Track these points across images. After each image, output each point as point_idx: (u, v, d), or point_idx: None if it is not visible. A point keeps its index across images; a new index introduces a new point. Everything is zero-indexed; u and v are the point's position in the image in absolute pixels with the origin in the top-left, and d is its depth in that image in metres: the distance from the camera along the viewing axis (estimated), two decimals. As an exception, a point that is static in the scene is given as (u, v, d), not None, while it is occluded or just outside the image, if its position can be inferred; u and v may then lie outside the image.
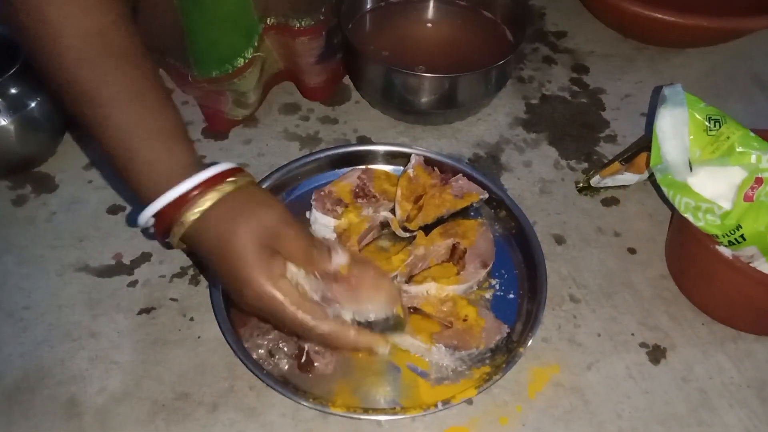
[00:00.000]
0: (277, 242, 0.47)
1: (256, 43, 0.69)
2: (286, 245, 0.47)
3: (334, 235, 0.63)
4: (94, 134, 0.48)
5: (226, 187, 0.46)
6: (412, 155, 0.67)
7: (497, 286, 0.62)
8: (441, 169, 0.68)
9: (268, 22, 0.70)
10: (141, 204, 0.48)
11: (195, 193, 0.46)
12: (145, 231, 0.50)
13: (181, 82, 0.76)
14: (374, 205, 0.64)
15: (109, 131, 0.47)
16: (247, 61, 0.69)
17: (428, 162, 0.68)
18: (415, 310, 0.58)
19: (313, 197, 0.64)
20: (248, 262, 0.45)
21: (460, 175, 0.66)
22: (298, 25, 0.69)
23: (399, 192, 0.64)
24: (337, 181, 0.66)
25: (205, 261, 0.49)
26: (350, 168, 0.68)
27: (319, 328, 0.47)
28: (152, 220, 0.48)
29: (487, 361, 0.57)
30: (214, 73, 0.69)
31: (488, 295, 0.61)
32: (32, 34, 0.46)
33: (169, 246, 0.49)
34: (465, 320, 0.58)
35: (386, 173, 0.68)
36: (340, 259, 0.50)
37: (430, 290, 0.59)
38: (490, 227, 0.65)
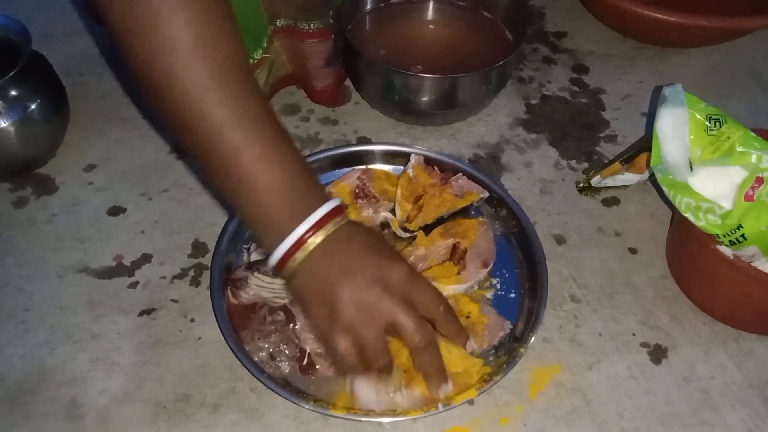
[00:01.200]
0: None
1: (265, 45, 0.70)
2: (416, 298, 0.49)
3: None
4: (202, 163, 0.48)
5: (330, 227, 0.47)
6: (412, 155, 0.67)
7: (498, 286, 0.62)
8: (441, 168, 0.68)
9: (278, 24, 0.70)
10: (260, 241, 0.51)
11: (308, 235, 0.47)
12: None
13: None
14: (374, 205, 0.64)
15: (229, 181, 0.47)
16: (255, 62, 0.69)
17: (428, 161, 0.68)
18: None
19: None
20: (374, 262, 0.48)
21: (460, 174, 0.66)
22: (308, 27, 0.70)
23: (399, 192, 0.64)
24: (337, 181, 0.66)
25: (300, 299, 0.50)
26: (350, 168, 0.68)
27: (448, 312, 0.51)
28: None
29: (491, 358, 0.57)
30: None
31: (489, 294, 0.61)
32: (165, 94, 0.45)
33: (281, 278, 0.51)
34: (468, 317, 0.58)
35: (386, 173, 0.68)
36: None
37: None
38: (490, 226, 0.65)
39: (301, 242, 0.46)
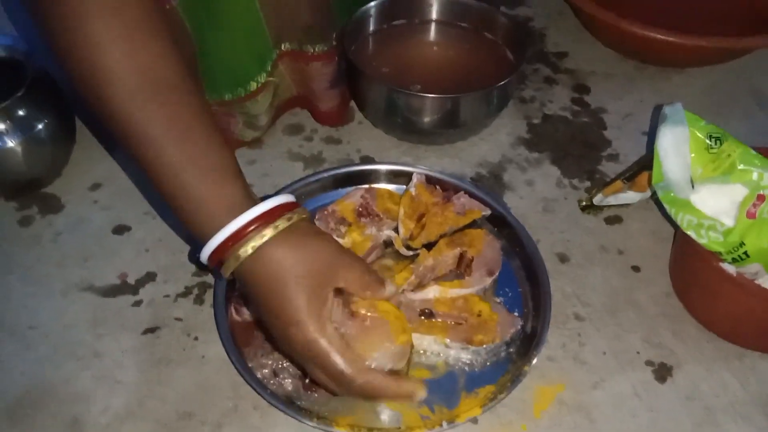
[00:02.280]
0: (334, 275, 0.48)
1: (269, 68, 0.70)
2: (344, 274, 0.48)
3: None
4: (146, 173, 0.48)
5: (280, 224, 0.47)
6: (414, 174, 0.68)
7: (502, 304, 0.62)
8: (443, 187, 0.68)
9: (283, 48, 0.71)
10: (195, 240, 0.49)
11: (250, 229, 0.46)
12: (200, 264, 0.50)
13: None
14: (377, 224, 0.64)
15: (161, 170, 0.47)
16: (260, 85, 0.70)
17: (430, 180, 0.68)
18: (429, 315, 0.58)
19: (316, 216, 0.65)
20: (299, 306, 0.46)
21: (462, 192, 0.67)
22: (312, 50, 0.70)
23: (402, 211, 0.65)
24: (341, 200, 0.67)
25: (251, 296, 0.49)
26: (353, 187, 0.69)
27: (357, 381, 0.47)
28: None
29: (503, 354, 0.58)
30: (226, 96, 0.69)
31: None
32: (82, 80, 0.47)
33: (219, 276, 0.50)
34: (479, 315, 0.58)
35: (389, 192, 0.69)
36: (391, 289, 0.51)
37: (434, 293, 0.60)
38: (496, 237, 0.65)
39: (241, 234, 0.46)
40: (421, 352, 0.58)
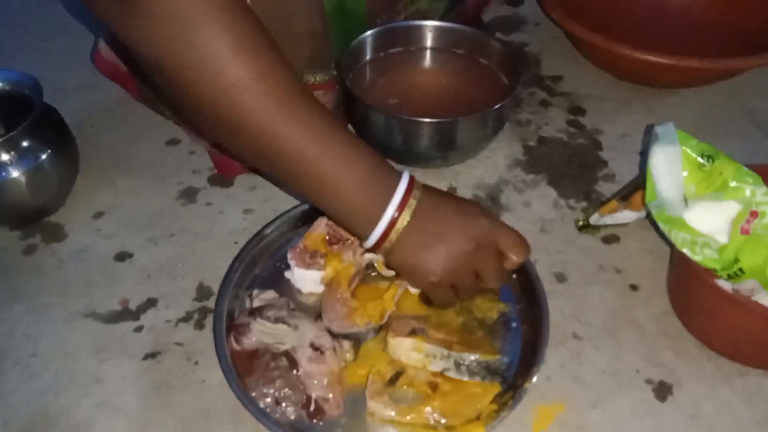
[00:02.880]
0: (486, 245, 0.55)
1: None
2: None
3: (322, 287, 0.63)
4: (292, 185, 0.54)
5: (412, 203, 0.53)
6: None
7: (500, 325, 0.62)
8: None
9: None
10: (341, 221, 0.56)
11: (396, 216, 0.53)
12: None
13: (194, 130, 0.79)
14: (350, 247, 0.64)
15: (317, 179, 0.52)
16: None
17: None
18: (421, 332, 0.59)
19: (289, 257, 0.64)
20: (474, 218, 0.55)
21: None
22: (313, 80, 0.72)
23: None
24: (308, 234, 0.65)
25: (401, 270, 0.57)
26: (317, 219, 0.66)
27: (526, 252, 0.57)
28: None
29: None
30: None
31: (491, 333, 0.62)
32: (203, 93, 0.49)
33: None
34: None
35: None
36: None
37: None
38: None
39: (392, 224, 0.52)
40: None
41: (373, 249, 0.55)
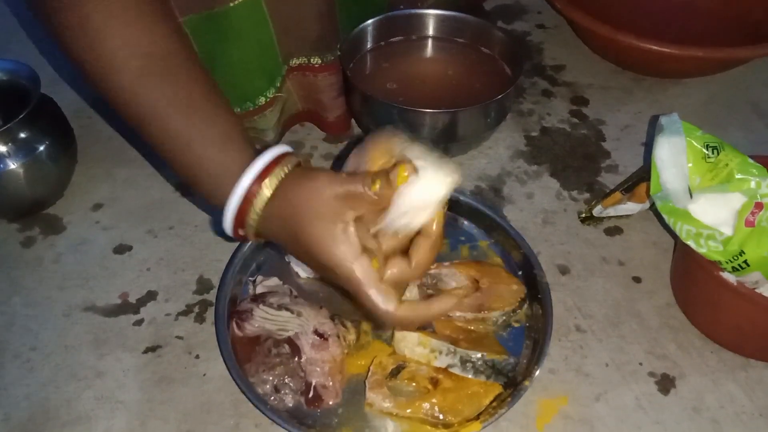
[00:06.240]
0: (342, 206, 0.46)
1: (278, 84, 0.72)
2: (351, 202, 0.46)
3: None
4: (157, 149, 0.50)
5: (280, 172, 0.47)
6: None
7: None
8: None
9: (291, 64, 0.72)
10: (215, 210, 0.50)
11: (255, 187, 0.46)
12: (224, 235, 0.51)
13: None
14: None
15: (171, 145, 0.49)
16: (268, 100, 0.71)
17: None
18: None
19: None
20: (326, 246, 0.45)
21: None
22: (320, 61, 0.72)
23: None
24: None
25: (284, 249, 0.53)
26: None
27: (388, 315, 0.46)
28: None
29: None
30: (234, 110, 0.70)
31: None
32: (89, 66, 0.48)
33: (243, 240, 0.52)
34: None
35: None
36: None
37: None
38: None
39: (250, 195, 0.46)
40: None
41: (237, 228, 0.49)
